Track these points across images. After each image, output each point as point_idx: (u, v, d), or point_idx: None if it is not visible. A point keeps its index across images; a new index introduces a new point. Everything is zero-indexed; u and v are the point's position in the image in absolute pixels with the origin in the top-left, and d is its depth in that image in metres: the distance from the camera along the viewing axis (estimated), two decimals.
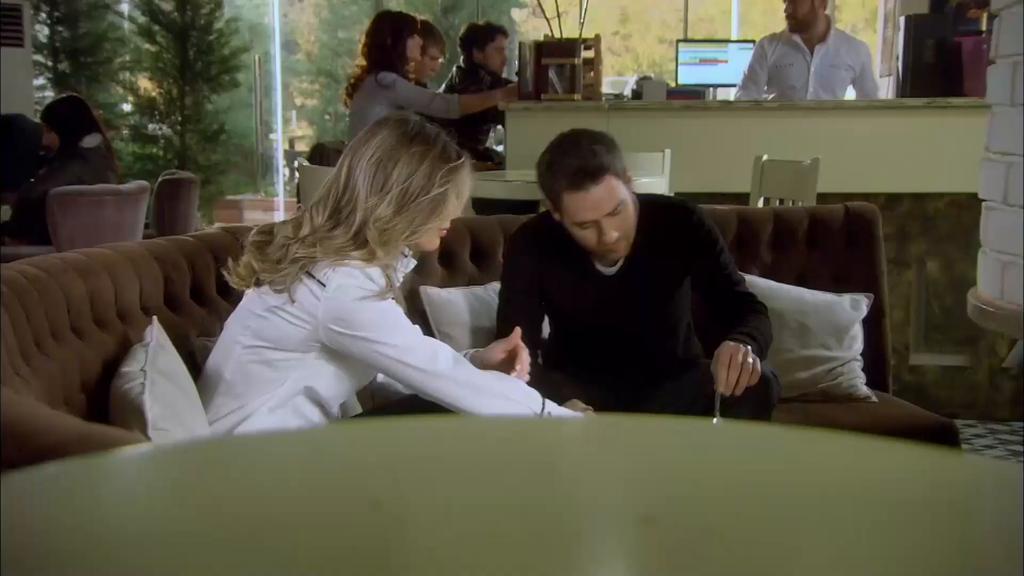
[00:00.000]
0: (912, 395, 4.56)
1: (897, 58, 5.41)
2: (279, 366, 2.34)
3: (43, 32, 8.21)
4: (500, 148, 6.03)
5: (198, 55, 8.26)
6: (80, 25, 8.30)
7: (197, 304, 2.64)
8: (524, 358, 2.53)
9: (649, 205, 2.85)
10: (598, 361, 2.97)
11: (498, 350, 2.57)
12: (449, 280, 3.22)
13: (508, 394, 2.36)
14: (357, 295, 2.28)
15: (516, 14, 11.92)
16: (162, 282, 2.56)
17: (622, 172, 2.71)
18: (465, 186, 2.40)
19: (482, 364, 2.54)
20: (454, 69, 6.13)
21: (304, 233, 2.30)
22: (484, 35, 6.04)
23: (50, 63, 8.19)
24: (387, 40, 5.29)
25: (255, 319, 2.34)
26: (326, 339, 2.31)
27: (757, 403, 2.69)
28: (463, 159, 2.40)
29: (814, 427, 3.00)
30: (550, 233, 2.86)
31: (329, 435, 1.15)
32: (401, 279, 2.44)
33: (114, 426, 2.11)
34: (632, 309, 2.91)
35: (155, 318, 2.32)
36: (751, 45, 6.79)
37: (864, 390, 3.31)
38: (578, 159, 2.66)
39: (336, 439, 1.06)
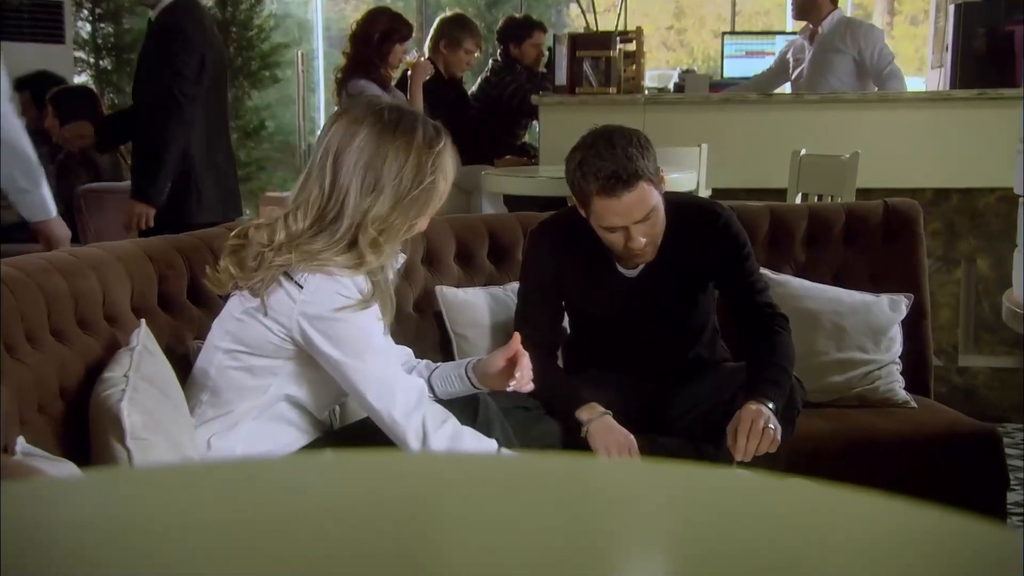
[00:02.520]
0: (961, 398, 4.40)
1: (947, 48, 5.23)
2: (260, 372, 2.24)
3: (85, 29, 8.21)
4: None
5: (238, 51, 8.20)
6: (123, 22, 8.29)
7: (194, 305, 2.55)
8: (524, 364, 2.42)
9: (676, 206, 2.73)
10: (618, 364, 2.87)
11: (499, 358, 2.45)
12: (466, 280, 3.11)
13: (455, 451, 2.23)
14: (336, 303, 2.17)
15: (574, 9, 11.74)
16: (156, 282, 2.47)
17: (655, 174, 2.60)
18: (450, 166, 2.28)
19: (483, 373, 2.43)
20: (490, 62, 6.03)
21: (280, 240, 2.18)
22: (522, 30, 5.93)
23: (92, 60, 8.20)
24: (374, 36, 5.10)
25: (234, 323, 2.24)
26: (301, 342, 2.21)
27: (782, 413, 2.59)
28: (443, 139, 2.27)
29: (848, 434, 2.89)
30: (572, 231, 2.75)
31: (354, 463, 1.05)
32: (392, 276, 2.34)
33: (94, 435, 2.03)
34: (653, 312, 2.80)
35: (143, 321, 2.22)
36: (799, 37, 6.63)
37: (903, 395, 3.17)
38: (612, 163, 2.54)
39: (360, 468, 0.97)
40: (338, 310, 2.17)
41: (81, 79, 8.00)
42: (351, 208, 2.18)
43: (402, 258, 2.39)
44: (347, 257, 2.18)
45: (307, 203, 2.21)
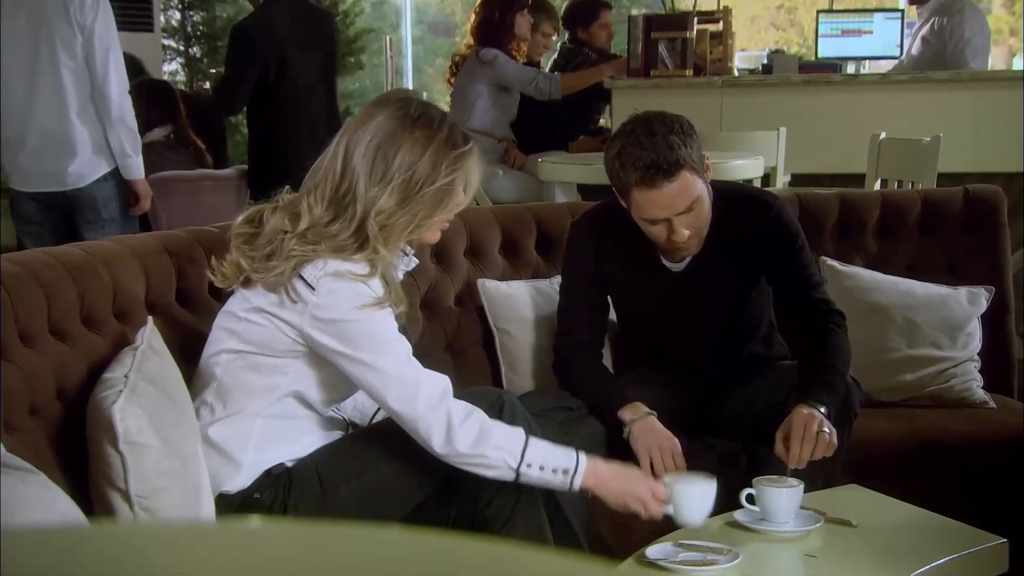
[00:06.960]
0: None
1: None
2: (268, 371, 2.15)
3: (174, 17, 8.28)
4: None
5: None
6: (214, 9, 8.35)
7: (216, 300, 2.45)
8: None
9: (724, 196, 2.58)
10: (668, 361, 2.75)
11: None
12: (511, 272, 2.98)
13: (484, 449, 2.10)
14: (353, 304, 2.08)
15: None
16: (175, 277, 2.39)
17: (699, 163, 2.46)
18: (474, 175, 2.17)
19: None
20: (559, 46, 5.87)
21: (303, 227, 2.09)
22: (587, 12, 5.75)
23: (181, 47, 8.27)
24: (495, 14, 5.16)
25: (239, 322, 2.15)
26: (312, 345, 2.12)
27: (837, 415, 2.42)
28: (471, 145, 2.17)
29: (919, 436, 2.70)
30: (615, 222, 2.62)
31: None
32: (401, 277, 2.24)
33: (89, 439, 1.96)
34: (701, 308, 2.65)
35: (150, 319, 2.13)
36: (898, 15, 6.34)
37: (980, 394, 2.99)
38: (651, 152, 2.40)
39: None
40: (356, 309, 2.08)
41: (171, 67, 8.07)
42: (361, 194, 2.09)
43: (414, 261, 2.29)
44: (364, 252, 2.09)
45: (324, 183, 2.13)
